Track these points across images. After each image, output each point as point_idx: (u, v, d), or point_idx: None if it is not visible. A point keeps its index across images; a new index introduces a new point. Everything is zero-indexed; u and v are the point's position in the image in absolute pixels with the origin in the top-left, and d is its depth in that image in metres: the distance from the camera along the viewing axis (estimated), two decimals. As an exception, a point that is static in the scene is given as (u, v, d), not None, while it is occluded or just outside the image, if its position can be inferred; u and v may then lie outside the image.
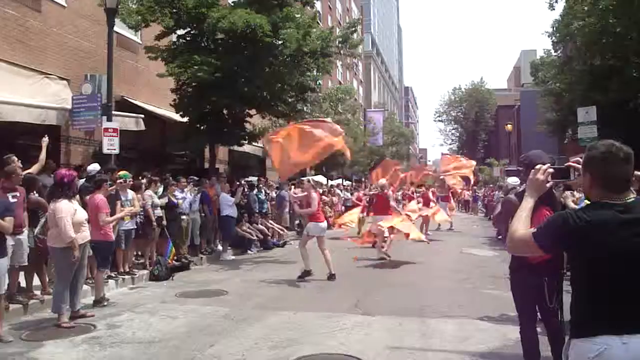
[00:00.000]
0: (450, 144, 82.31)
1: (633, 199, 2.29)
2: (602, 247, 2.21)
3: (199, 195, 12.16)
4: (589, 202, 2.48)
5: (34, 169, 7.95)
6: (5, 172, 6.71)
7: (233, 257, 12.71)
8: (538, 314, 4.28)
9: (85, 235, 6.87)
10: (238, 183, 15.24)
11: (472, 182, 19.43)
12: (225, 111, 14.29)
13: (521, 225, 2.51)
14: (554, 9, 18.06)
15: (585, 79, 17.66)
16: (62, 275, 6.62)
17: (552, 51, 25.10)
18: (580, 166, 2.53)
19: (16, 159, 7.20)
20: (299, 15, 14.20)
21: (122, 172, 9.44)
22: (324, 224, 10.09)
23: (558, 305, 4.08)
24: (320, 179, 26.68)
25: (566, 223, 2.29)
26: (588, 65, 17.21)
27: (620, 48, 14.96)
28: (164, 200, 10.66)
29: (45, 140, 8.52)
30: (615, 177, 2.30)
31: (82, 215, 6.87)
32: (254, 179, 18.25)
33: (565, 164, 2.84)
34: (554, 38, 21.01)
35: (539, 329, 4.30)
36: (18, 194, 6.76)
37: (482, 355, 5.35)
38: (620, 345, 2.13)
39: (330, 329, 6.31)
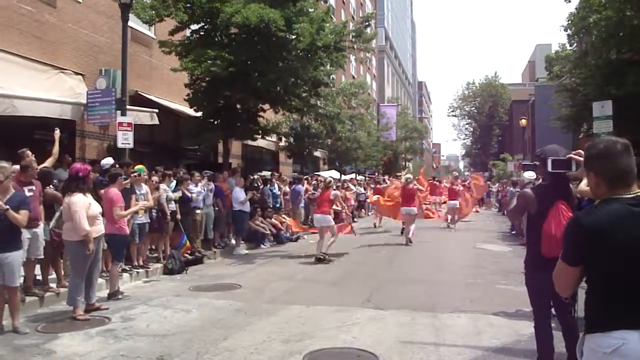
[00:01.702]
0: (463, 139, 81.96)
1: None
2: (616, 242, 2.17)
3: (212, 190, 12.22)
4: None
5: (48, 162, 8.02)
6: (21, 166, 6.79)
7: (246, 252, 12.77)
8: (552, 309, 4.24)
9: (99, 228, 6.93)
10: (252, 178, 15.29)
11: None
12: (238, 106, 14.32)
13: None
14: (569, 2, 17.78)
15: (600, 72, 17.39)
16: (77, 269, 6.68)
17: (568, 45, 24.77)
18: (581, 159, 2.50)
19: (30, 153, 7.28)
20: (312, 10, 14.16)
21: (138, 166, 9.51)
22: (320, 216, 11.60)
23: (573, 300, 4.05)
24: (334, 173, 26.74)
25: (581, 225, 2.26)
26: (604, 59, 16.93)
27: (637, 41, 14.70)
28: (178, 194, 10.73)
29: (57, 133, 8.57)
30: (618, 171, 2.27)
31: (97, 208, 6.93)
32: (267, 173, 18.30)
33: (567, 156, 2.82)
34: (569, 32, 20.69)
35: (553, 325, 4.27)
36: (34, 188, 6.85)
37: (495, 350, 5.32)
38: (637, 339, 2.10)
39: (342, 323, 6.31)
